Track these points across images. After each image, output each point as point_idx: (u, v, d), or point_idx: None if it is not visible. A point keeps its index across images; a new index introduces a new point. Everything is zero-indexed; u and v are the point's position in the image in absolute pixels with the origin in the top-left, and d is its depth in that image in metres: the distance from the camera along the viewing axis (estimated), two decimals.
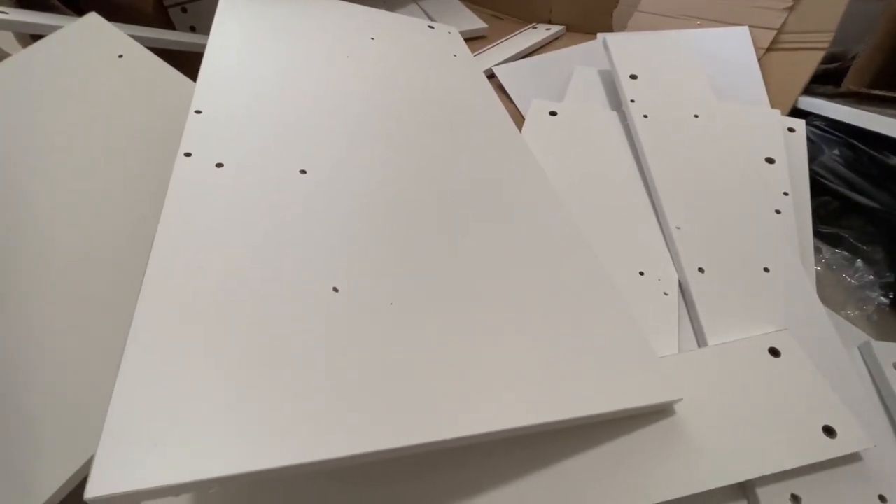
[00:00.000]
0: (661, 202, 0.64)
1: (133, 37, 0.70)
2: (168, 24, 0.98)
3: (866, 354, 0.57)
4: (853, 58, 0.85)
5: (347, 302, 0.41)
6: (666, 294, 0.57)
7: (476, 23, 1.16)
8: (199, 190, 0.45)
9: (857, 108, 0.76)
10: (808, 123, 0.78)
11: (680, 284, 0.58)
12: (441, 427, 0.35)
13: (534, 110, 0.76)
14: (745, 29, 0.90)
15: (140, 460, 0.28)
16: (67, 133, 0.61)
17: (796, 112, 0.82)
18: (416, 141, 0.61)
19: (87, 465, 0.40)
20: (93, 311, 0.48)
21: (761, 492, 0.44)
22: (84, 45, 0.68)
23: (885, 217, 0.73)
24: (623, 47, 0.82)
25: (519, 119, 0.83)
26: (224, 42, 0.64)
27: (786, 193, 0.67)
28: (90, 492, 0.26)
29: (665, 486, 0.41)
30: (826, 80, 0.88)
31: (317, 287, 0.41)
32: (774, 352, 0.52)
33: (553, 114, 0.75)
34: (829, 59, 0.85)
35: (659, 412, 0.45)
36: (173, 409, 0.31)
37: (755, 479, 0.44)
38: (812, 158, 0.76)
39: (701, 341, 0.54)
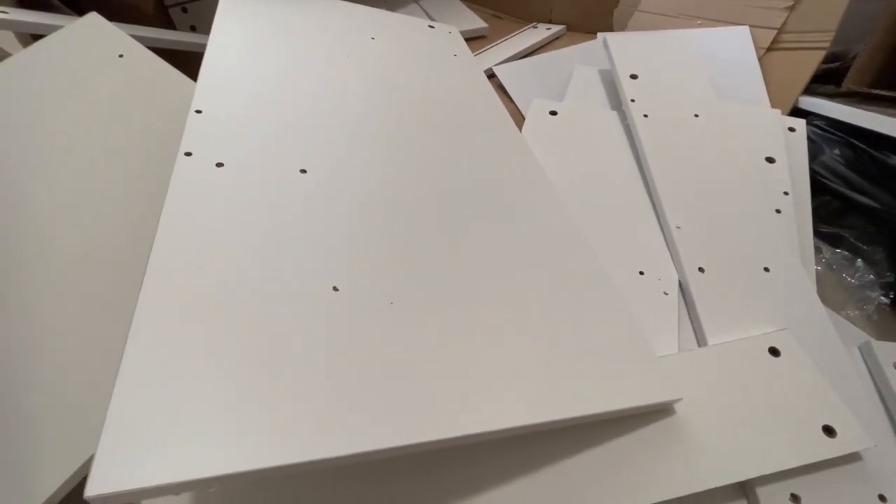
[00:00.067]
0: (662, 202, 0.64)
1: (134, 36, 0.71)
2: (169, 24, 0.99)
3: (866, 354, 0.57)
4: (854, 57, 0.85)
5: (347, 301, 0.41)
6: (666, 294, 0.57)
7: (476, 22, 1.16)
8: (200, 189, 0.45)
9: (858, 107, 0.76)
10: (808, 123, 0.78)
11: (680, 284, 0.58)
12: (441, 426, 0.35)
13: (534, 110, 0.76)
14: (746, 28, 0.90)
15: (140, 459, 0.28)
16: (68, 133, 0.61)
17: (797, 112, 0.82)
18: (416, 140, 0.61)
19: (87, 465, 0.40)
20: (93, 311, 0.49)
21: (761, 491, 0.44)
22: (84, 45, 0.68)
23: (885, 217, 0.73)
24: (623, 47, 0.82)
25: (519, 119, 0.83)
26: (224, 42, 0.64)
27: (786, 193, 0.67)
28: (90, 490, 0.26)
29: (665, 486, 0.41)
30: (827, 80, 0.88)
31: (317, 286, 0.41)
32: (774, 351, 0.52)
33: (553, 113, 0.75)
34: (829, 58, 0.85)
35: (659, 412, 0.45)
36: (173, 407, 0.31)
37: (755, 479, 0.44)
38: (812, 158, 0.76)
39: (701, 341, 0.54)
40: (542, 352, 0.43)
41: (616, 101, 0.80)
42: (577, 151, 0.71)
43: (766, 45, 0.88)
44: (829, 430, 0.46)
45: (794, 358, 0.51)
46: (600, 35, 0.97)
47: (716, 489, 0.42)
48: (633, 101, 0.74)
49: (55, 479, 0.40)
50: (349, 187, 0.51)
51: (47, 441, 0.41)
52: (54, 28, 0.70)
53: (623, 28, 1.05)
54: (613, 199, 0.66)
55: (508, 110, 0.72)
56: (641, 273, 0.58)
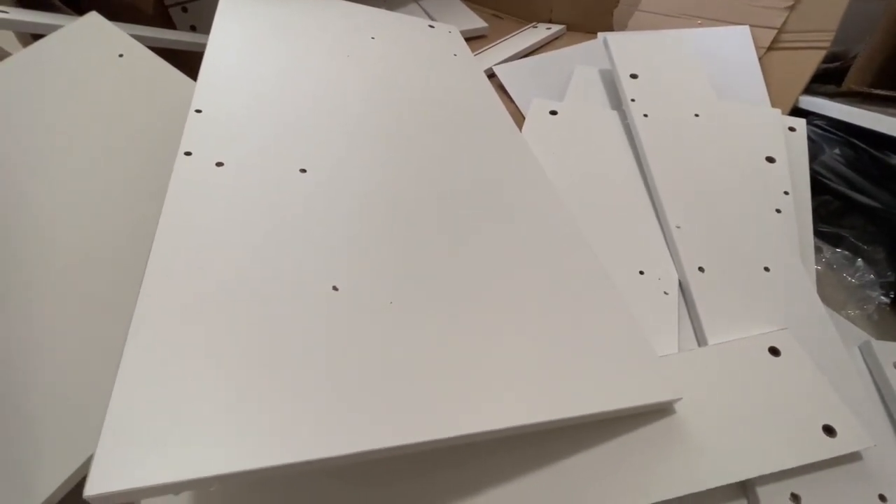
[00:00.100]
0: (662, 201, 0.64)
1: (133, 36, 0.71)
2: (169, 24, 0.99)
3: (867, 354, 0.57)
4: (854, 57, 0.85)
5: (347, 301, 0.41)
6: (666, 293, 0.57)
7: (476, 22, 1.16)
8: (200, 189, 0.45)
9: (858, 107, 0.76)
10: (808, 123, 0.78)
11: (680, 284, 0.58)
12: (441, 426, 0.35)
13: (534, 109, 0.76)
14: (746, 28, 0.90)
15: (139, 458, 0.28)
16: (68, 132, 0.61)
17: (797, 111, 0.82)
18: (416, 140, 0.61)
19: (87, 464, 0.40)
20: (93, 311, 0.49)
21: (761, 491, 0.44)
22: (84, 45, 0.68)
23: (885, 216, 0.73)
24: (623, 46, 0.82)
25: (519, 118, 0.83)
26: (224, 41, 0.64)
27: (786, 193, 0.67)
28: (89, 489, 0.26)
29: (665, 485, 0.41)
30: (827, 80, 0.88)
31: (317, 286, 0.41)
32: (774, 351, 0.52)
33: (553, 113, 0.75)
34: (829, 58, 0.85)
35: (659, 411, 0.45)
36: (173, 407, 0.31)
37: (755, 478, 0.44)
38: (813, 158, 0.76)
39: (701, 340, 0.54)
40: (543, 351, 0.43)
41: (616, 100, 0.80)
42: (578, 151, 0.71)
43: (767, 44, 0.88)
44: (829, 430, 0.46)
45: (794, 357, 0.51)
46: (600, 35, 0.97)
47: (716, 489, 0.42)
48: (633, 100, 0.74)
49: (55, 478, 0.40)
50: (349, 187, 0.51)
51: (47, 440, 0.42)
52: (54, 28, 0.70)
53: (623, 28, 1.05)
54: (613, 199, 0.66)
55: (508, 110, 0.72)
56: (641, 273, 0.58)
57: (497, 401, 0.38)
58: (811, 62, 0.84)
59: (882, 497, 0.45)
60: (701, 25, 0.94)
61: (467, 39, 0.90)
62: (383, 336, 0.40)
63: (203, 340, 0.35)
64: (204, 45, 0.62)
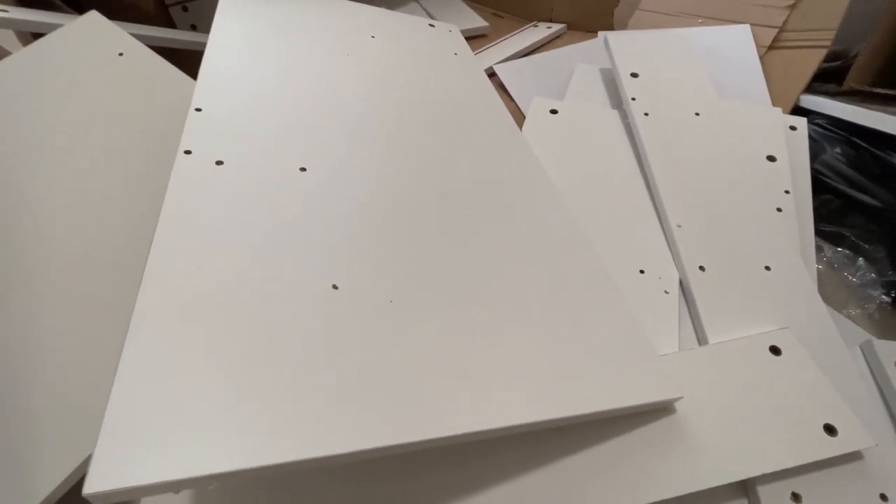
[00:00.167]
0: (662, 200, 0.64)
1: (134, 35, 0.71)
2: (169, 23, 0.99)
3: (868, 353, 0.57)
4: (855, 56, 0.84)
5: (347, 300, 0.41)
6: (667, 292, 0.57)
7: (477, 21, 1.16)
8: (200, 187, 0.45)
9: (859, 106, 0.76)
10: (809, 122, 0.78)
11: (681, 283, 0.58)
12: (441, 424, 0.35)
13: (534, 109, 0.76)
14: (747, 27, 0.90)
15: (139, 456, 0.28)
16: (68, 131, 0.61)
17: (798, 110, 0.82)
18: (416, 139, 0.60)
19: (87, 463, 0.40)
20: (93, 311, 0.48)
21: (762, 490, 0.44)
22: (85, 44, 0.68)
23: (887, 215, 0.73)
24: (624, 45, 0.81)
25: (520, 117, 0.83)
26: (224, 40, 0.64)
27: (787, 192, 0.67)
28: (88, 487, 0.26)
29: (666, 484, 0.41)
30: (828, 79, 0.87)
31: (317, 285, 0.41)
32: (775, 350, 0.51)
33: (554, 112, 0.75)
34: (830, 57, 0.85)
35: (660, 410, 0.45)
36: (172, 405, 0.31)
37: (756, 478, 0.44)
38: (814, 157, 0.76)
39: (702, 340, 0.54)
40: (543, 350, 0.43)
41: (617, 99, 0.80)
42: (578, 150, 0.71)
43: (768, 43, 0.88)
44: (830, 429, 0.46)
45: (795, 357, 0.51)
46: (601, 34, 0.97)
47: (717, 488, 0.42)
48: (633, 99, 0.74)
49: (54, 477, 0.40)
50: (349, 186, 0.51)
51: (47, 439, 0.41)
52: (54, 27, 0.70)
53: (624, 27, 1.05)
54: (614, 198, 0.66)
55: (509, 109, 0.72)
56: (642, 272, 0.58)
57: (498, 399, 0.38)
58: (812, 61, 0.84)
59: (883, 496, 0.45)
60: (702, 24, 0.94)
61: (468, 38, 0.89)
62: (383, 335, 0.40)
63: (202, 339, 0.35)
64: (204, 45, 0.62)
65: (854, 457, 0.47)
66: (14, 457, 0.41)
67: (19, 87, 0.63)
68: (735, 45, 0.88)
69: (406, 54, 0.76)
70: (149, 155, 0.60)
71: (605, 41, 0.82)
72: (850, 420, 0.47)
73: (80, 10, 0.76)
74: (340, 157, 0.54)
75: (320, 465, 0.31)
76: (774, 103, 0.80)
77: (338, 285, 0.42)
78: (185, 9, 0.99)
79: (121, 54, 0.68)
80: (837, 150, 0.77)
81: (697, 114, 0.73)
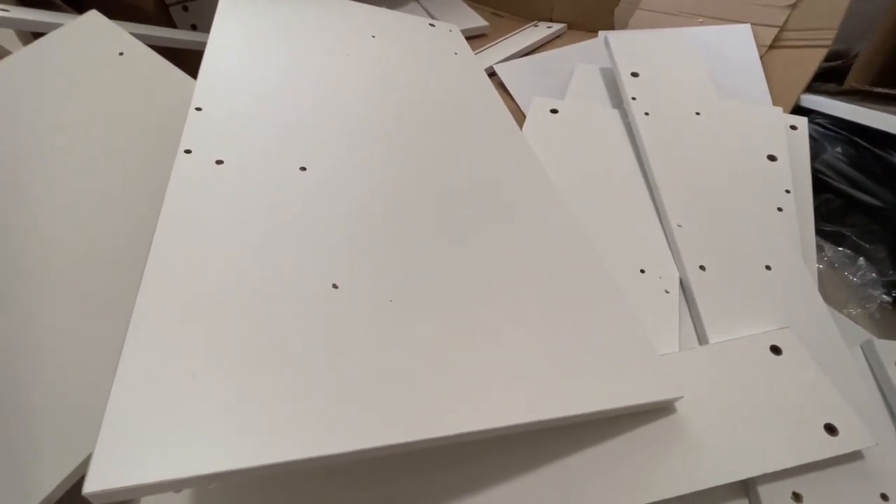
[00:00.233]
0: (663, 200, 0.64)
1: (134, 35, 0.70)
2: (169, 23, 0.99)
3: (868, 353, 0.57)
4: (856, 55, 0.84)
5: (347, 299, 0.41)
6: (667, 292, 0.57)
7: (477, 21, 1.16)
8: (200, 186, 0.45)
9: (860, 105, 0.76)
10: (810, 121, 0.77)
11: (681, 282, 0.58)
12: (442, 424, 0.35)
13: (535, 108, 0.76)
14: (747, 26, 0.90)
15: (139, 455, 0.28)
16: (68, 131, 0.61)
17: (798, 110, 0.82)
18: (416, 139, 0.60)
19: (86, 463, 0.40)
20: (93, 311, 0.48)
21: (763, 490, 0.44)
22: (85, 43, 0.68)
23: (887, 215, 0.73)
24: (624, 45, 0.81)
25: (520, 117, 0.82)
26: (225, 40, 0.64)
27: (788, 191, 0.67)
28: (88, 486, 0.26)
29: (666, 484, 0.41)
30: (829, 78, 0.87)
31: (317, 284, 0.41)
32: (776, 350, 0.51)
33: (554, 112, 0.75)
34: (831, 56, 0.85)
35: (660, 410, 0.45)
36: (172, 404, 0.31)
37: (757, 477, 0.44)
38: (814, 156, 0.76)
39: (702, 339, 0.54)
40: (544, 349, 0.43)
41: (617, 99, 0.79)
42: (578, 150, 0.71)
43: (768, 42, 0.88)
44: (830, 429, 0.46)
45: (795, 356, 0.51)
46: (601, 33, 0.96)
47: (717, 488, 0.42)
48: (634, 99, 0.74)
49: (54, 476, 0.40)
50: (349, 185, 0.51)
51: (47, 439, 0.41)
52: (55, 26, 0.70)
53: (624, 26, 1.05)
54: (614, 198, 0.66)
55: (509, 109, 0.71)
56: (642, 271, 0.58)
57: (498, 399, 0.38)
58: (813, 60, 0.84)
59: (884, 496, 0.45)
60: (702, 24, 0.94)
61: (468, 38, 0.90)
62: (383, 334, 0.40)
63: (202, 338, 0.35)
64: (204, 44, 0.62)
65: (855, 456, 0.46)
66: (14, 456, 0.41)
67: (20, 86, 0.63)
68: (735, 44, 0.88)
69: (406, 54, 0.76)
70: (149, 154, 0.60)
71: (606, 41, 0.82)
72: (851, 420, 0.47)
73: (81, 9, 0.76)
74: (341, 157, 0.54)
75: (320, 464, 0.31)
76: (775, 103, 0.80)
77: (338, 285, 0.42)
78: (185, 8, 0.99)
79: (121, 54, 0.68)
80: (838, 149, 0.77)
81: (698, 113, 0.73)
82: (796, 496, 0.44)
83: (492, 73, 0.96)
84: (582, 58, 0.90)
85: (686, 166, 0.67)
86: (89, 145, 0.60)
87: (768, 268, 0.58)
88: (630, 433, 0.43)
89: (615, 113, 0.77)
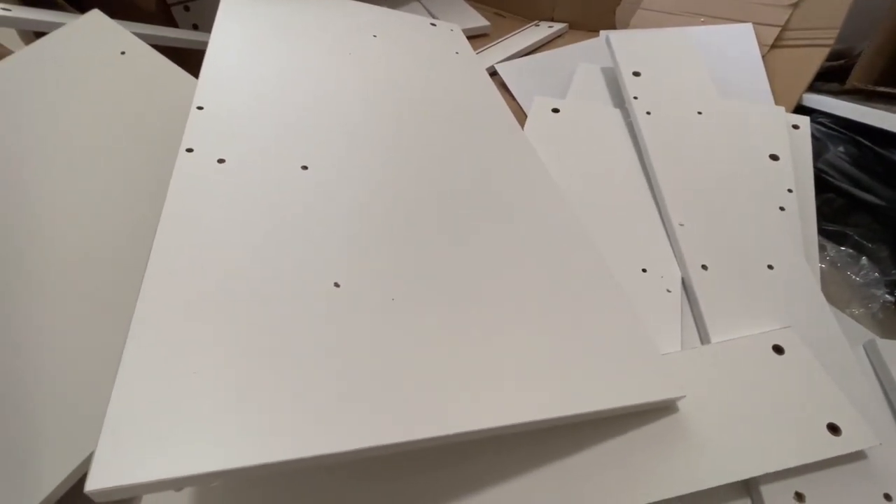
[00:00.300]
0: (664, 199, 0.63)
1: (136, 34, 0.71)
2: (171, 22, 0.99)
3: (871, 352, 0.57)
4: (858, 54, 0.84)
5: (349, 298, 0.41)
6: (669, 291, 0.57)
7: (478, 20, 1.16)
8: (201, 185, 0.45)
9: (863, 105, 0.76)
10: (812, 120, 0.77)
11: (683, 282, 0.58)
12: (443, 423, 0.35)
13: (536, 107, 0.75)
14: (749, 26, 0.89)
15: (141, 453, 0.28)
16: (70, 130, 0.61)
17: (801, 109, 0.82)
18: (418, 138, 0.60)
19: (88, 462, 0.40)
20: (93, 311, 0.48)
21: (765, 489, 0.44)
22: (87, 42, 0.68)
23: (890, 214, 0.73)
24: (626, 44, 0.81)
25: (521, 116, 0.82)
26: (226, 39, 0.64)
27: (790, 190, 0.67)
28: (91, 484, 0.26)
29: (668, 484, 0.41)
30: (831, 77, 0.87)
31: (318, 283, 0.41)
32: (778, 349, 0.51)
33: (556, 111, 0.75)
34: (833, 55, 0.85)
35: (662, 409, 0.45)
36: (174, 402, 0.31)
37: (759, 477, 0.44)
38: (817, 156, 0.75)
39: (704, 339, 0.54)
40: (546, 349, 0.43)
41: (618, 98, 0.79)
42: (580, 149, 0.71)
43: (770, 42, 0.88)
44: (833, 429, 0.46)
45: (798, 356, 0.51)
46: (603, 33, 0.96)
47: (719, 487, 0.42)
48: (635, 98, 0.74)
49: (55, 476, 0.40)
50: (351, 184, 0.51)
51: (48, 438, 0.41)
52: (56, 25, 0.70)
53: (625, 26, 1.05)
54: (616, 197, 0.66)
55: (510, 108, 0.71)
56: (644, 270, 0.58)
57: (500, 398, 0.38)
58: (815, 60, 0.83)
59: (887, 496, 0.45)
60: (704, 23, 0.94)
61: (469, 38, 0.90)
62: (385, 333, 0.40)
63: (204, 337, 0.35)
64: (206, 44, 0.62)
65: (858, 456, 0.46)
66: (15, 455, 0.40)
67: (21, 85, 0.63)
68: (737, 43, 0.88)
69: (407, 53, 0.76)
70: (151, 153, 0.60)
71: (607, 40, 0.82)
72: (854, 419, 0.47)
73: (83, 8, 0.76)
74: (342, 156, 0.54)
75: (321, 463, 0.31)
76: (777, 102, 0.80)
77: (340, 283, 0.41)
78: (186, 8, 1.00)
79: (123, 53, 0.68)
80: (840, 148, 0.77)
81: (700, 113, 0.73)
82: (799, 496, 0.44)
83: (493, 73, 0.96)
84: (583, 57, 0.90)
85: (688, 166, 0.67)
86: (90, 144, 0.60)
87: (770, 267, 0.58)
88: (632, 432, 0.43)
89: (617, 112, 0.76)
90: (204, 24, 0.99)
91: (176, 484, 0.28)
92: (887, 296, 0.69)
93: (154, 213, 0.41)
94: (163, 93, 0.65)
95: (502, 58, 1.00)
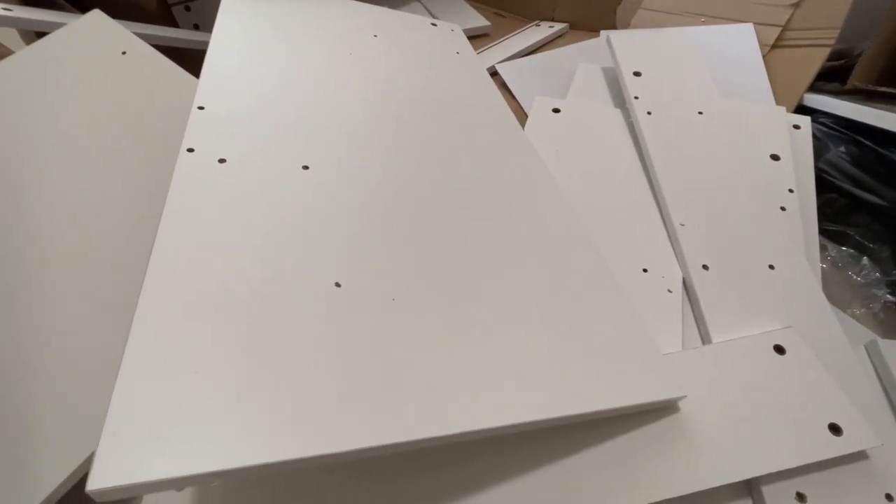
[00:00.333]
0: (665, 199, 0.63)
1: (137, 34, 0.70)
2: (172, 22, 0.99)
3: (872, 353, 0.57)
4: (859, 54, 0.84)
5: (350, 298, 0.41)
6: (670, 291, 0.57)
7: (479, 20, 1.16)
8: (202, 185, 0.45)
9: (864, 104, 0.76)
10: (813, 120, 0.77)
11: (684, 282, 0.58)
12: (444, 423, 0.35)
13: (537, 107, 0.75)
14: (750, 26, 0.89)
15: (142, 453, 0.28)
16: (70, 130, 0.61)
17: (802, 109, 0.82)
18: (418, 138, 0.60)
19: (88, 462, 0.40)
20: (93, 311, 0.48)
21: (766, 490, 0.44)
22: (87, 42, 0.68)
23: (891, 214, 0.73)
24: (626, 44, 0.81)
25: (522, 116, 0.82)
26: (227, 39, 0.64)
27: (791, 190, 0.67)
28: (92, 484, 0.26)
29: (669, 484, 0.41)
30: (832, 77, 0.87)
31: (319, 282, 0.41)
32: (780, 349, 0.51)
33: (556, 111, 0.75)
34: (834, 55, 0.85)
35: (663, 409, 0.45)
36: (175, 402, 0.31)
37: (760, 477, 0.44)
38: (818, 156, 0.75)
39: (705, 339, 0.54)
40: (546, 349, 0.43)
41: (619, 98, 0.79)
42: (581, 149, 0.71)
43: (771, 42, 0.88)
44: (835, 429, 0.46)
45: (799, 356, 0.51)
46: (603, 33, 0.96)
47: (720, 488, 0.42)
48: (636, 98, 0.74)
49: (56, 476, 0.40)
50: (351, 184, 0.51)
51: (48, 438, 0.41)
52: (57, 25, 0.70)
53: (626, 26, 1.05)
54: (616, 197, 0.66)
55: (511, 108, 0.71)
56: (645, 271, 0.58)
57: (501, 398, 0.38)
58: (816, 60, 0.83)
59: (889, 496, 0.45)
60: (705, 23, 0.94)
61: (470, 38, 0.90)
62: (386, 333, 0.40)
63: (205, 336, 0.35)
64: (206, 44, 0.62)
65: (859, 456, 0.46)
66: (15, 456, 0.40)
67: (22, 85, 0.63)
68: (738, 43, 0.88)
69: (408, 53, 0.76)
70: (151, 153, 0.60)
71: (608, 40, 0.82)
72: (856, 420, 0.47)
73: (84, 8, 0.76)
74: (343, 156, 0.54)
75: (321, 463, 0.31)
76: (778, 102, 0.80)
77: (340, 283, 0.41)
78: (187, 8, 1.00)
79: (124, 53, 0.68)
80: (841, 148, 0.77)
81: (700, 113, 0.73)
82: (800, 496, 0.44)
83: (494, 73, 0.96)
84: (584, 57, 0.90)
85: (688, 166, 0.67)
86: (91, 144, 0.60)
87: (771, 267, 0.58)
88: (633, 433, 0.43)
89: (617, 112, 0.76)
90: (205, 24, 0.99)
91: (176, 484, 0.28)
92: (888, 296, 0.69)
93: (154, 213, 0.41)
94: (163, 93, 0.65)
95: (503, 58, 1.00)
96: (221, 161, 0.47)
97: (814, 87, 0.84)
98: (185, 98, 0.54)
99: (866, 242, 0.73)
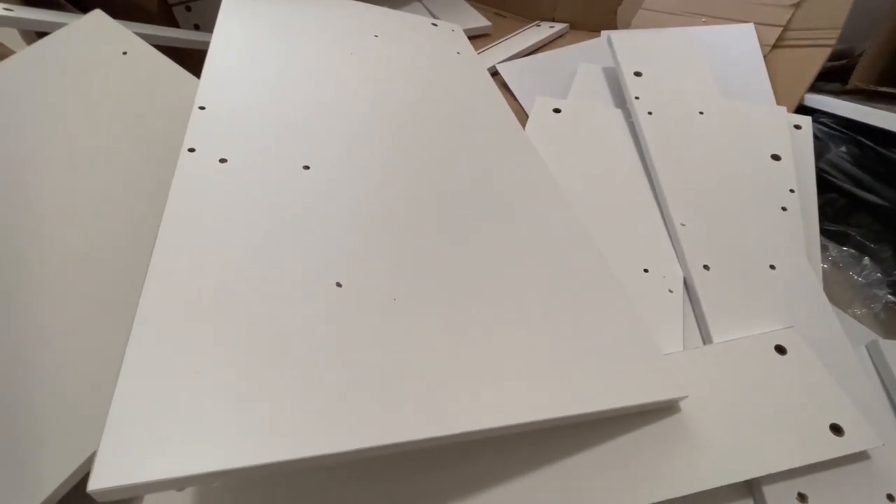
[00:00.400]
0: (666, 199, 0.63)
1: (138, 34, 0.71)
2: (172, 22, 0.99)
3: (874, 353, 0.57)
4: (860, 54, 0.84)
5: (351, 297, 0.41)
6: (671, 291, 0.57)
7: (479, 21, 1.16)
8: (203, 185, 0.45)
9: (864, 105, 0.76)
10: (814, 120, 0.77)
11: (685, 282, 0.58)
12: (445, 423, 0.35)
13: (537, 107, 0.75)
14: (751, 26, 0.89)
15: (143, 453, 0.28)
16: (71, 130, 0.61)
17: (802, 109, 0.82)
18: (419, 138, 0.60)
19: (89, 462, 0.40)
20: (93, 311, 0.48)
21: (768, 490, 0.43)
22: (88, 43, 0.68)
23: (892, 215, 0.73)
24: (627, 44, 0.81)
25: (522, 116, 0.82)
26: (228, 39, 0.64)
27: (792, 191, 0.67)
28: (93, 484, 0.26)
29: (670, 484, 0.41)
30: (833, 77, 0.87)
31: (320, 282, 0.41)
32: (781, 349, 0.51)
33: (557, 111, 0.75)
34: (835, 55, 0.85)
35: (664, 409, 0.45)
36: (176, 402, 0.31)
37: (761, 478, 0.43)
38: (819, 156, 0.75)
39: (706, 339, 0.54)
40: (547, 349, 0.43)
41: (620, 98, 0.79)
42: (581, 149, 0.71)
43: (772, 42, 0.88)
44: (836, 429, 0.46)
45: (800, 356, 0.51)
46: (604, 33, 0.96)
47: (721, 488, 0.42)
48: (637, 98, 0.74)
49: (56, 476, 0.40)
50: (352, 184, 0.51)
51: (48, 439, 0.41)
52: (58, 25, 0.70)
53: (627, 26, 1.05)
54: (617, 197, 0.66)
55: (512, 108, 0.71)
56: (646, 271, 0.58)
57: (502, 398, 0.38)
58: (817, 60, 0.83)
59: (890, 497, 0.45)
60: (705, 23, 0.94)
61: (471, 38, 0.90)
62: (387, 333, 0.39)
63: (206, 336, 0.35)
64: (207, 44, 0.62)
65: (860, 457, 0.46)
66: (15, 456, 0.40)
67: (23, 85, 0.64)
68: (739, 43, 0.88)
69: (409, 53, 0.76)
70: (152, 153, 0.60)
71: (609, 40, 0.82)
72: (857, 420, 0.47)
73: (84, 9, 0.76)
74: (344, 156, 0.54)
75: (322, 463, 0.31)
76: (779, 102, 0.80)
77: (341, 283, 0.41)
78: (188, 8, 1.00)
79: (125, 53, 0.68)
80: (842, 148, 0.77)
81: (701, 113, 0.73)
82: (802, 496, 0.44)
83: (494, 73, 0.96)
84: (585, 57, 0.90)
85: (689, 166, 0.67)
86: (92, 144, 0.60)
87: (772, 267, 0.58)
88: (634, 433, 0.43)
89: (618, 112, 0.76)
90: (205, 24, 0.99)
91: (177, 484, 0.28)
92: (889, 296, 0.69)
93: (155, 213, 0.41)
94: (164, 93, 0.66)
95: (504, 58, 1.00)
96: (222, 161, 0.47)
97: (815, 88, 0.84)
98: (186, 98, 0.54)
99: (867, 242, 0.73)
